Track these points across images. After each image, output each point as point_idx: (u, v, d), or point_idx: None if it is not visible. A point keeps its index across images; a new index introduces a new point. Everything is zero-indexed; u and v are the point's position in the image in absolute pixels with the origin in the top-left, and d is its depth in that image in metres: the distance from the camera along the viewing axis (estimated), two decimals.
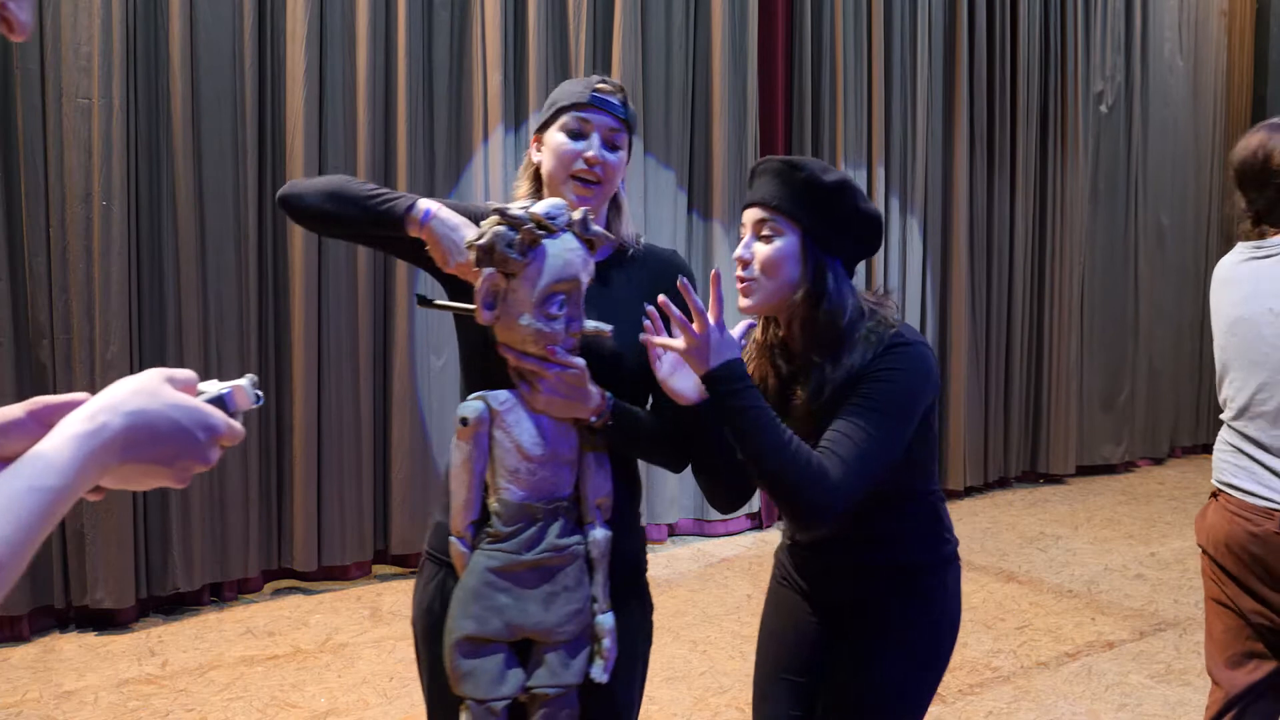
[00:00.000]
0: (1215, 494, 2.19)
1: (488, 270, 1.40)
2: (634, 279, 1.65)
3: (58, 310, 3.75)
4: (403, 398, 4.47)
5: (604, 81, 1.63)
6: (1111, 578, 4.66)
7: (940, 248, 6.15)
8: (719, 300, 1.49)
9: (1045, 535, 5.38)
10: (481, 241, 1.37)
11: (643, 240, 1.74)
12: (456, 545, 1.48)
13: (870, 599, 1.67)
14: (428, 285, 4.42)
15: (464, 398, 1.58)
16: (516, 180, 1.73)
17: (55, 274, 3.74)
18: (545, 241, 1.40)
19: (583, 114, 1.60)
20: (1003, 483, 6.48)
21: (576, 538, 1.48)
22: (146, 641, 3.75)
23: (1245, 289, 2.12)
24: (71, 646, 3.70)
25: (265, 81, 4.16)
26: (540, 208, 1.41)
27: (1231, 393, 2.15)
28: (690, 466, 1.65)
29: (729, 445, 1.50)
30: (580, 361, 1.45)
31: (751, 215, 1.59)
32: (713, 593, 4.36)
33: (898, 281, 5.91)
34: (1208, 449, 7.34)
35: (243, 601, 4.19)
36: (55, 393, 4.13)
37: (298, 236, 4.19)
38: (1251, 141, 2.13)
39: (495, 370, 1.52)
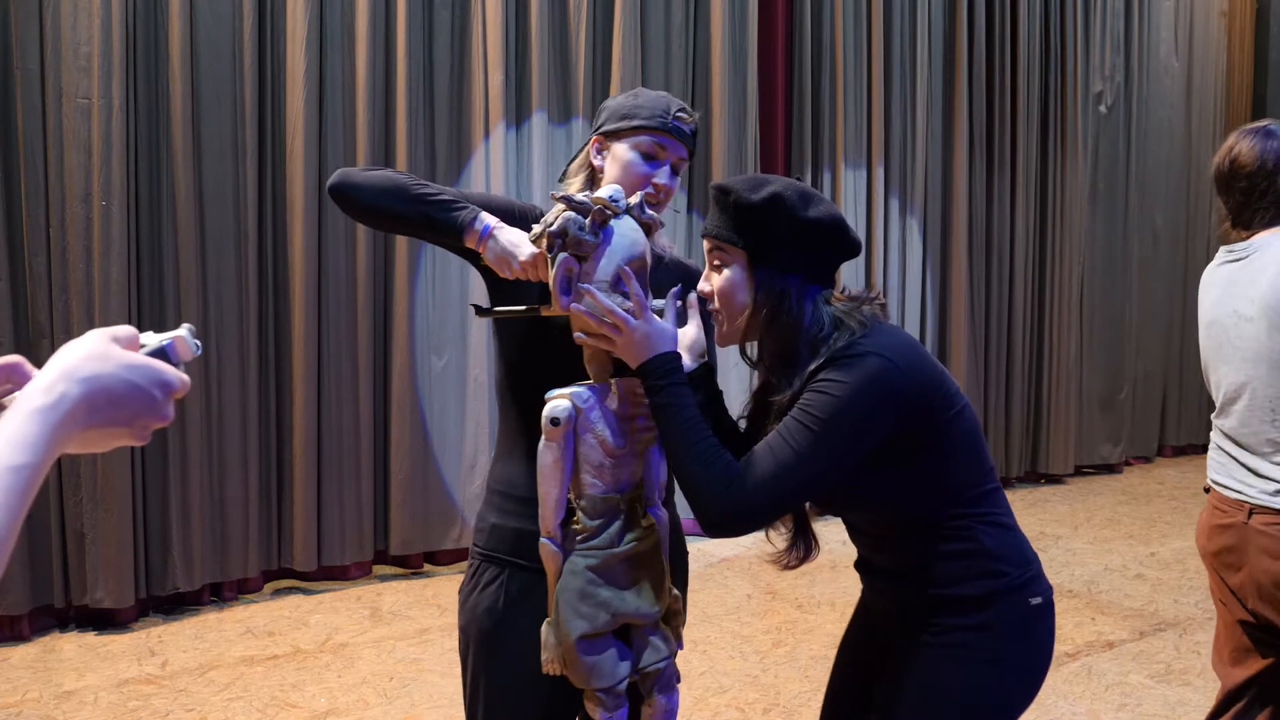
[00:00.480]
0: (1207, 490, 2.26)
1: (562, 256, 1.42)
2: (663, 286, 1.67)
3: (58, 310, 3.75)
4: (403, 398, 4.47)
5: (684, 110, 1.67)
6: (1111, 578, 4.66)
7: (940, 248, 6.15)
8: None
9: (1045, 535, 5.38)
10: (554, 227, 1.41)
11: (673, 250, 1.79)
12: (549, 546, 1.50)
13: (907, 631, 1.55)
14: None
15: (507, 413, 1.66)
16: (567, 177, 1.74)
17: (55, 274, 3.74)
18: (611, 223, 1.45)
19: (661, 140, 1.65)
20: (1004, 482, 6.47)
21: (650, 522, 1.55)
22: (146, 641, 3.75)
23: (1217, 292, 2.20)
24: (71, 646, 3.70)
25: (265, 81, 4.16)
26: (602, 193, 1.45)
27: (1212, 392, 2.24)
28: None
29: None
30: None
31: (705, 248, 1.57)
32: (713, 593, 4.36)
33: (897, 281, 5.92)
34: (1198, 448, 7.37)
35: (243, 601, 4.19)
36: None
37: (298, 236, 4.19)
38: (1225, 146, 2.21)
39: (544, 380, 1.53)
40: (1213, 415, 2.25)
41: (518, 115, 4.70)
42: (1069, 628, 3.99)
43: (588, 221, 1.42)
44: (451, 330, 4.57)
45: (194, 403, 4.01)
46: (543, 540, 1.51)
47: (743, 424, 1.64)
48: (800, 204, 1.46)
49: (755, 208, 1.46)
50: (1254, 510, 2.11)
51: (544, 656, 1.52)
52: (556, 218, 1.42)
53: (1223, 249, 2.24)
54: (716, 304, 1.54)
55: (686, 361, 1.55)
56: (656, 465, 1.57)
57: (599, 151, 1.70)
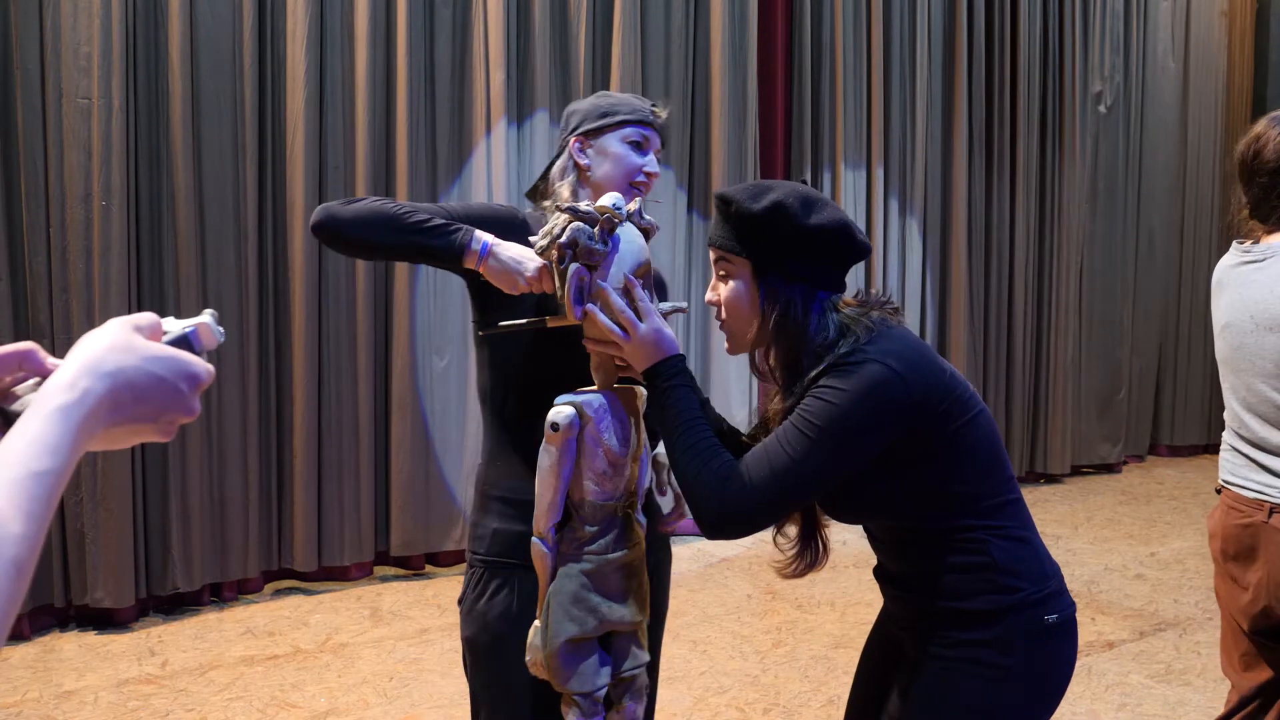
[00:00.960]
0: (1219, 491, 2.25)
1: (574, 267, 1.44)
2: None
3: (58, 310, 3.75)
4: (404, 398, 4.46)
5: (657, 104, 1.77)
6: (1111, 578, 4.66)
7: (940, 248, 6.15)
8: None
9: (1045, 535, 5.36)
10: (564, 239, 1.42)
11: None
12: (539, 546, 1.51)
13: (919, 642, 1.53)
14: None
15: (502, 419, 1.68)
16: (549, 183, 1.76)
17: (55, 274, 3.74)
18: (617, 231, 1.47)
19: (645, 131, 1.73)
20: None
21: (640, 531, 1.58)
22: (146, 641, 3.75)
23: (1232, 295, 2.17)
24: (71, 646, 3.70)
25: (265, 81, 4.16)
26: (604, 201, 1.47)
27: (1226, 393, 2.22)
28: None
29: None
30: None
31: (711, 258, 1.56)
32: (713, 593, 4.36)
33: (897, 282, 5.92)
34: (1197, 449, 7.36)
35: (243, 601, 4.19)
36: None
37: (298, 236, 4.19)
38: (1249, 134, 2.18)
39: (541, 386, 1.58)
40: (1226, 416, 2.24)
41: (519, 114, 4.70)
42: None
43: (596, 231, 1.44)
44: (453, 330, 4.57)
45: None
46: (534, 540, 1.51)
47: (754, 434, 1.62)
48: (803, 211, 1.44)
49: (757, 217, 1.44)
50: (1274, 509, 2.10)
51: (528, 658, 1.53)
52: (563, 229, 1.42)
53: (1236, 245, 2.20)
54: (724, 314, 1.53)
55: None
56: (643, 474, 1.59)
57: (582, 150, 1.73)
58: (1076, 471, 6.84)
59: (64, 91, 3.70)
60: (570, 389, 1.55)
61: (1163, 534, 5.42)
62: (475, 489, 1.76)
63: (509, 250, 1.53)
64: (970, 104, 6.16)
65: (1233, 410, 2.20)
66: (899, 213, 5.91)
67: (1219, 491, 2.24)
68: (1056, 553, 5.02)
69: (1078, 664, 3.77)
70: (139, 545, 3.90)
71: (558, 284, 1.47)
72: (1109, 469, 6.93)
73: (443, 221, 1.55)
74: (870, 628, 1.78)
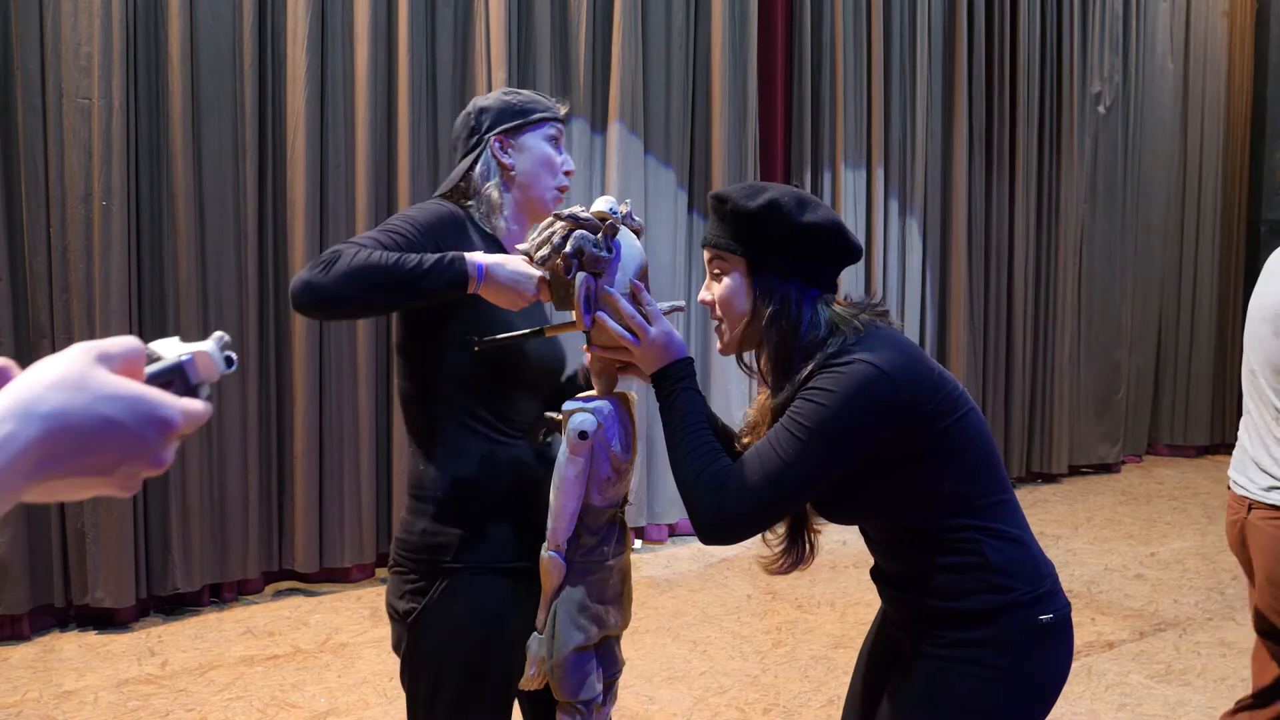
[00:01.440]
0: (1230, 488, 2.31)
1: (582, 275, 1.44)
2: None
3: (58, 310, 3.75)
4: None
5: (560, 100, 1.81)
6: (1111, 578, 4.66)
7: (940, 248, 6.15)
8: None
9: (1045, 535, 5.38)
10: (568, 248, 1.42)
11: None
12: (555, 559, 1.50)
13: (914, 641, 1.54)
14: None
15: (457, 421, 1.64)
16: (472, 185, 1.72)
17: (55, 274, 3.74)
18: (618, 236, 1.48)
19: (560, 126, 1.76)
20: None
21: (630, 534, 1.60)
22: (146, 641, 3.75)
23: (1258, 286, 2.24)
24: (71, 646, 3.70)
25: (266, 81, 4.16)
26: (598, 206, 1.47)
27: (1243, 381, 2.29)
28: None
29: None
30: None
31: (705, 257, 1.57)
32: (713, 593, 4.36)
33: (897, 282, 5.92)
34: (1197, 449, 7.36)
35: (243, 601, 4.19)
36: None
37: (299, 236, 4.19)
38: None
39: (503, 387, 1.63)
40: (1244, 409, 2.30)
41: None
42: None
43: (600, 238, 1.44)
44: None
45: None
46: (550, 554, 1.51)
47: (743, 435, 1.63)
48: (797, 210, 1.46)
49: (752, 215, 1.46)
50: (1253, 505, 2.16)
51: (529, 671, 1.52)
52: (565, 238, 1.43)
53: None
54: (718, 312, 1.54)
55: None
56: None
57: (504, 150, 1.72)
58: (1075, 471, 6.84)
59: (64, 91, 3.70)
60: (514, 387, 1.57)
61: (1163, 534, 5.42)
62: (418, 497, 1.68)
63: (505, 268, 1.51)
64: (970, 104, 6.16)
65: (1245, 403, 2.24)
66: (899, 213, 5.91)
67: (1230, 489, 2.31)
68: (1056, 553, 5.02)
69: (1077, 664, 3.78)
70: (139, 545, 3.90)
71: (558, 294, 1.47)
72: (1108, 469, 6.93)
73: (432, 259, 1.50)
74: (869, 628, 1.79)
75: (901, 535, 1.52)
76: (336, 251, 1.50)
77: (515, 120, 1.72)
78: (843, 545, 4.65)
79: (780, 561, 1.67)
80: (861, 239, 1.37)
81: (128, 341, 0.64)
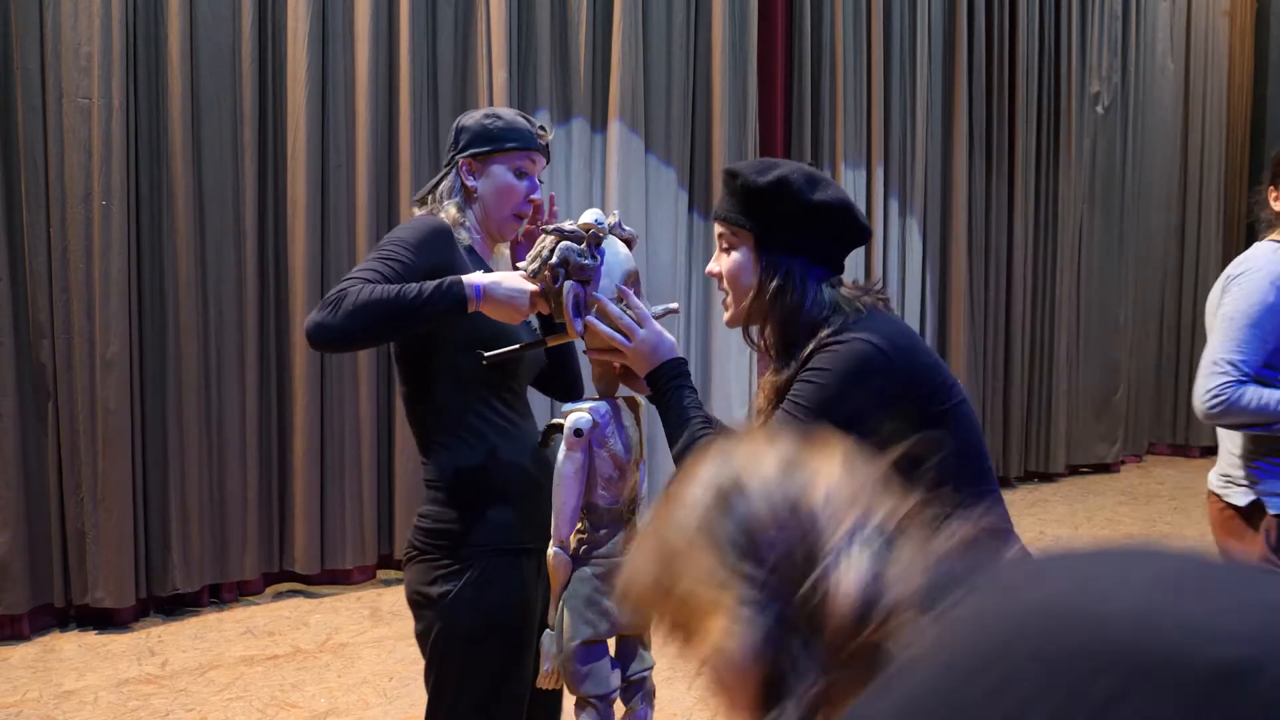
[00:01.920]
0: None
1: (569, 284, 1.51)
2: None
3: (58, 310, 3.75)
4: None
5: (543, 127, 1.87)
6: None
7: (940, 248, 6.16)
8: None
9: (1045, 535, 5.38)
10: (554, 259, 1.49)
11: None
12: (560, 554, 1.56)
13: None
14: None
15: (463, 416, 1.75)
16: (438, 199, 1.84)
17: (55, 274, 3.74)
18: (602, 244, 1.55)
19: (532, 156, 1.83)
20: (1003, 482, 6.48)
21: None
22: (146, 641, 3.75)
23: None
24: (71, 646, 3.70)
25: (266, 80, 4.16)
26: (586, 218, 1.55)
27: None
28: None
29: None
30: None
31: (716, 232, 1.59)
32: None
33: (897, 281, 5.92)
34: (1198, 449, 7.36)
35: (243, 601, 4.19)
36: (55, 392, 4.10)
37: (299, 236, 4.19)
38: None
39: (502, 382, 1.74)
40: None
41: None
42: None
43: (584, 246, 1.51)
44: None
45: (194, 403, 4.01)
46: (555, 550, 1.56)
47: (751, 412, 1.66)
48: (807, 187, 1.47)
49: (762, 190, 1.47)
50: (1210, 494, 2.33)
51: (544, 667, 1.57)
52: (552, 250, 1.50)
53: None
54: (725, 285, 1.56)
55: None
56: (643, 480, 1.67)
57: (470, 173, 1.82)
58: (1074, 471, 6.84)
59: (64, 91, 3.70)
60: (510, 378, 1.69)
61: (1163, 534, 5.41)
62: (440, 489, 1.80)
63: (502, 286, 1.61)
64: (970, 104, 6.16)
65: None
66: (899, 212, 5.91)
67: None
68: None
69: None
70: (139, 545, 3.90)
71: (552, 303, 1.55)
72: (1106, 469, 6.93)
73: (432, 285, 1.60)
74: None
75: None
76: (343, 291, 1.60)
77: (485, 147, 1.81)
78: None
79: None
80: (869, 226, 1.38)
81: None
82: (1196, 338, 7.29)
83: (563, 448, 1.52)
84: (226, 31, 4.04)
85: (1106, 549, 0.65)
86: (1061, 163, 6.59)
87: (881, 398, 1.41)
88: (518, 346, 1.64)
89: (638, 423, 1.61)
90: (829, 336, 1.44)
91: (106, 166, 3.73)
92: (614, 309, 1.51)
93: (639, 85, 4.93)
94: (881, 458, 1.43)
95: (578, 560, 1.56)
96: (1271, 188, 2.28)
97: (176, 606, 4.05)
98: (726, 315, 1.60)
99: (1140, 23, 6.98)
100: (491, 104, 4.55)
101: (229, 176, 4.08)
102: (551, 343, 1.61)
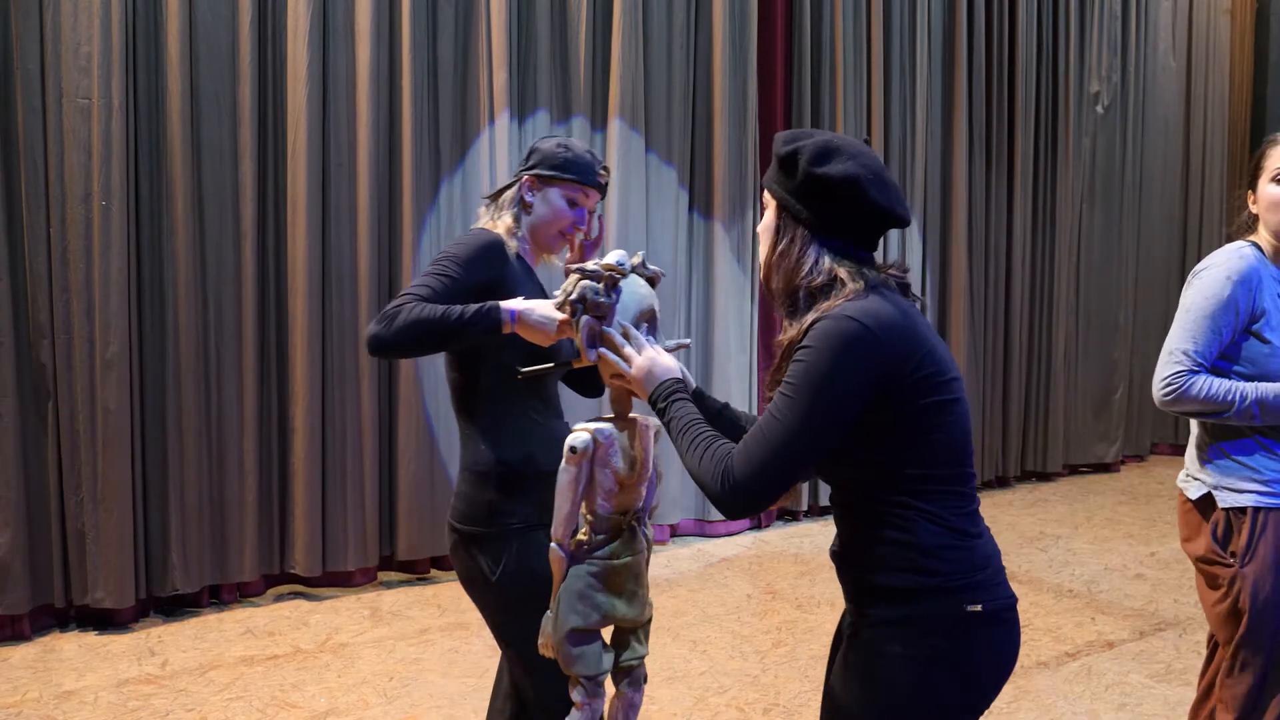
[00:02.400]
0: None
1: (584, 319, 1.71)
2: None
3: (58, 310, 3.75)
4: (410, 399, 4.44)
5: (604, 168, 2.11)
6: (1111, 578, 4.67)
7: (939, 248, 6.16)
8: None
9: (1045, 535, 5.38)
10: (574, 296, 1.71)
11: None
12: (557, 551, 1.74)
13: (854, 618, 1.59)
14: None
15: (519, 410, 1.99)
16: (499, 206, 2.09)
17: (55, 274, 3.74)
18: (620, 283, 1.73)
19: (586, 191, 2.08)
20: (1002, 482, 6.49)
21: (641, 542, 1.81)
22: (146, 641, 3.76)
23: None
24: (71, 646, 3.70)
25: (266, 80, 4.15)
26: (609, 258, 1.73)
27: None
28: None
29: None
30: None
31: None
32: (713, 593, 4.36)
33: None
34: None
35: (243, 602, 4.19)
36: (55, 392, 4.11)
37: (300, 235, 4.19)
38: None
39: (536, 385, 1.97)
40: None
41: (521, 112, 4.69)
42: (1069, 628, 3.99)
43: (602, 286, 1.70)
44: None
45: (194, 403, 4.00)
46: (553, 546, 1.73)
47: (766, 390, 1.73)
48: (815, 160, 1.52)
49: (780, 159, 1.58)
50: (1178, 490, 2.43)
51: (540, 641, 1.76)
52: (575, 287, 1.71)
53: None
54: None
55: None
56: (650, 494, 1.82)
57: (531, 190, 2.08)
58: (1074, 471, 6.85)
59: (64, 91, 3.70)
60: (542, 378, 1.90)
61: (1163, 534, 5.42)
62: (480, 472, 2.00)
63: (534, 313, 1.85)
64: (970, 104, 6.16)
65: None
66: None
67: None
68: (1056, 552, 5.03)
69: (1076, 664, 3.78)
70: (139, 545, 3.90)
71: (576, 333, 1.75)
72: (1106, 468, 6.94)
73: (474, 309, 1.84)
74: None
75: (846, 499, 1.58)
76: (397, 307, 1.84)
77: (549, 171, 2.06)
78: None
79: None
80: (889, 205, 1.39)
81: None
82: None
83: (563, 461, 1.70)
84: (226, 30, 4.04)
85: None
86: (1060, 162, 6.59)
87: (869, 375, 1.45)
88: (548, 366, 1.87)
89: (646, 443, 1.77)
90: (823, 312, 1.49)
91: (106, 166, 3.73)
92: (619, 340, 1.69)
93: (639, 84, 4.92)
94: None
95: (574, 558, 1.73)
96: (1250, 191, 2.32)
97: (176, 607, 4.05)
98: (762, 276, 1.71)
99: (1139, 22, 6.98)
100: (492, 104, 4.55)
101: (229, 176, 4.07)
102: (576, 365, 1.79)
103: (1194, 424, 2.37)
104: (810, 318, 1.50)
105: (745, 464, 1.46)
